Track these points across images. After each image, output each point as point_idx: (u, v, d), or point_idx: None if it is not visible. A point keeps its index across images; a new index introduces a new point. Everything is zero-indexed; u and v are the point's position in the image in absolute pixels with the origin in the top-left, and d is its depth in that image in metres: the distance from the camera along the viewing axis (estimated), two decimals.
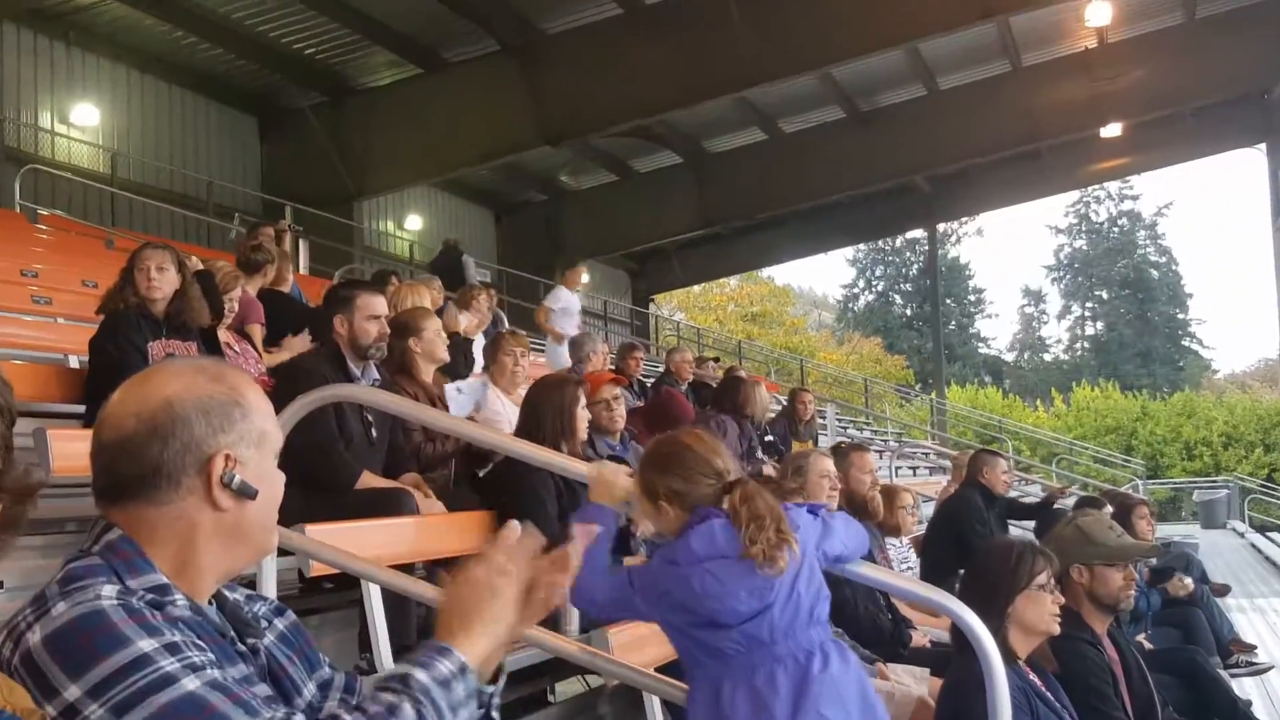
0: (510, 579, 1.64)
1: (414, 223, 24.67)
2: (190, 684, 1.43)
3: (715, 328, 38.99)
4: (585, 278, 13.63)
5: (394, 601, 3.82)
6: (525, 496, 4.54)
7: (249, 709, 1.46)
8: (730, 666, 3.05)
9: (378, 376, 5.04)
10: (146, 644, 1.45)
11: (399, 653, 3.65)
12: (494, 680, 1.70)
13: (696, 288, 43.17)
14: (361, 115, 20.68)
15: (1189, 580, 8.33)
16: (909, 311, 59.11)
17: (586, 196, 27.37)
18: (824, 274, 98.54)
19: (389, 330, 5.10)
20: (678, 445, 3.25)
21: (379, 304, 5.04)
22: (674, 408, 8.87)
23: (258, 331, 7.10)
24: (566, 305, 12.52)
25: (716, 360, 15.34)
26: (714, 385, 11.31)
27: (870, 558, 5.24)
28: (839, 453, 6.59)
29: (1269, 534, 24.03)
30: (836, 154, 25.20)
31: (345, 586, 4.34)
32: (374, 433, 4.87)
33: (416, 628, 4.11)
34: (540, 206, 27.54)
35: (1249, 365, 62.27)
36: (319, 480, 4.36)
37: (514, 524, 1.71)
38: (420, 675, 1.53)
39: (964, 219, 52.80)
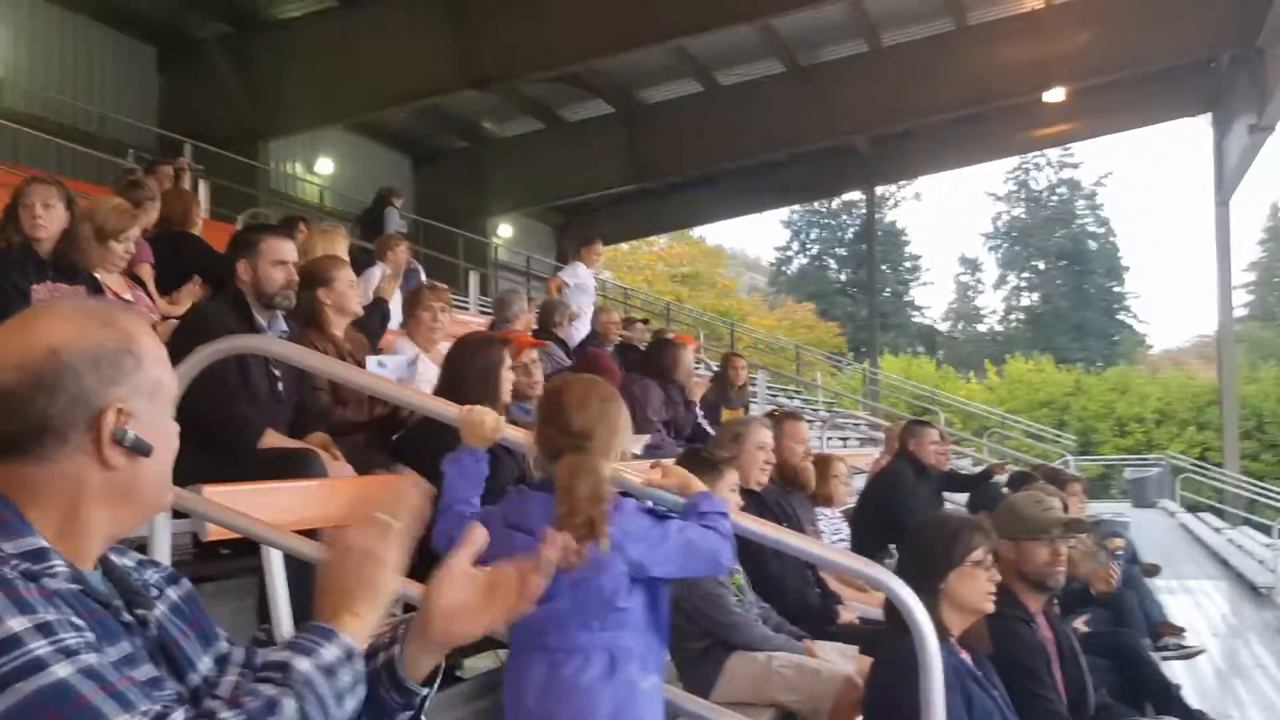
0: (392, 543, 1.55)
1: (325, 166, 23.70)
2: (61, 670, 1.32)
3: (644, 288, 38.41)
4: (601, 254, 13.24)
5: (296, 569, 3.64)
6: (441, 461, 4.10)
7: (123, 701, 1.33)
8: (518, 643, 3.11)
9: (285, 328, 4.85)
10: (16, 623, 1.33)
11: (301, 623, 3.10)
12: (429, 681, 1.63)
13: (625, 245, 42.45)
14: (270, 49, 19.72)
15: (1122, 540, 8.77)
16: (843, 277, 58.72)
17: (511, 145, 26.40)
18: (757, 235, 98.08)
19: (297, 278, 4.88)
20: (555, 387, 3.27)
21: (286, 249, 4.84)
22: (600, 369, 8.37)
23: (148, 273, 6.70)
24: (583, 282, 12.18)
25: (645, 322, 15.09)
26: (641, 348, 11.21)
27: (800, 529, 5.63)
28: (771, 421, 6.50)
29: (1200, 514, 24.14)
30: (774, 110, 24.43)
31: (243, 553, 4.18)
32: (281, 388, 4.68)
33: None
34: (461, 154, 26.55)
35: (1185, 341, 62.93)
36: (218, 438, 4.16)
37: (390, 476, 1.38)
38: (302, 664, 1.43)
39: (902, 182, 52.30)
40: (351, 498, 4.35)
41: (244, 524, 3.55)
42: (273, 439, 4.46)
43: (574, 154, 25.57)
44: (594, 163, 25.72)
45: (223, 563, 4.42)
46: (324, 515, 4.17)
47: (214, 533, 3.61)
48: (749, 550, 4.76)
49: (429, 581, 1.62)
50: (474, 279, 18.09)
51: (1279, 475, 34.14)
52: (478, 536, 1.65)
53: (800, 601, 5.43)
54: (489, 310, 13.44)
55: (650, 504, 3.27)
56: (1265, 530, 19.11)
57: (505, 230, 27.57)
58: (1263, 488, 26.50)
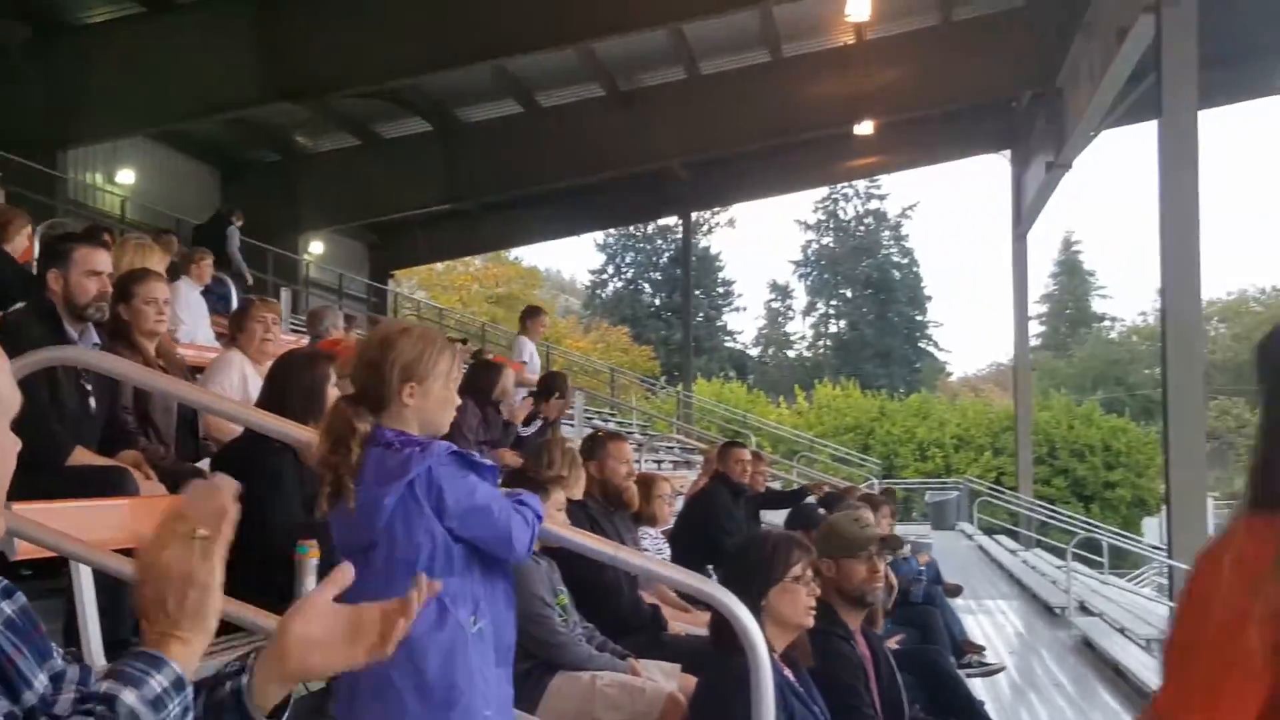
0: (206, 557, 1.47)
1: (126, 177, 22.63)
2: None
3: (458, 308, 38.01)
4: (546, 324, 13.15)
5: (107, 588, 3.58)
6: (267, 478, 4.14)
7: None
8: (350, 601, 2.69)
9: (97, 340, 4.67)
10: None
11: (111, 647, 3.54)
12: (278, 714, 1.56)
13: (440, 265, 42.14)
14: (71, 54, 18.87)
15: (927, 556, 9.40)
16: (658, 301, 59.15)
17: (325, 160, 25.75)
18: (573, 258, 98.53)
19: (110, 289, 4.76)
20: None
21: (100, 259, 4.68)
22: None
23: None
24: (530, 360, 12.21)
25: (465, 342, 14.90)
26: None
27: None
28: (595, 441, 6.65)
29: (996, 537, 25.01)
30: (594, 133, 24.54)
31: (45, 575, 4.03)
32: (92, 402, 4.54)
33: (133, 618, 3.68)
34: (273, 168, 25.75)
35: (981, 369, 65.27)
36: (24, 454, 3.51)
37: (195, 483, 1.58)
38: (129, 697, 1.39)
39: (717, 209, 52.98)
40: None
41: (59, 541, 3.41)
42: (83, 456, 4.30)
43: (390, 171, 25.04)
44: (410, 181, 25.26)
45: (24, 584, 4.15)
46: (138, 535, 3.92)
47: (25, 550, 3.46)
48: (582, 564, 4.70)
49: (286, 613, 1.57)
50: (285, 295, 17.56)
51: (1069, 499, 35.66)
52: (344, 575, 1.60)
53: (635, 611, 5.47)
54: (300, 328, 13.07)
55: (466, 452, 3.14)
56: (1058, 553, 19.90)
57: (317, 247, 26.92)
58: (1054, 511, 27.63)
